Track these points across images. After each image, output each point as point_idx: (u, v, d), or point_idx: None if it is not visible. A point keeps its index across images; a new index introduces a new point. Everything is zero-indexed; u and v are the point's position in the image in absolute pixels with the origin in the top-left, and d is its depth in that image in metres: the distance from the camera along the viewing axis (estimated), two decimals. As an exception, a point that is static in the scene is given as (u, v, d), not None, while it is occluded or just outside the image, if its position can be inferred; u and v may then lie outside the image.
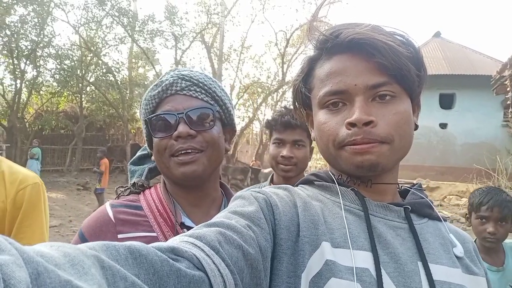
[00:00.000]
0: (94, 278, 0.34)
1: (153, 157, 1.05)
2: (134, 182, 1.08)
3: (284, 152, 1.79)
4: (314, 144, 1.95)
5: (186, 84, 0.98)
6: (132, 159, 1.19)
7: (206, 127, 0.97)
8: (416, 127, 0.75)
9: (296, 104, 0.83)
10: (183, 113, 0.95)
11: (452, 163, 15.54)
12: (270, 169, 2.14)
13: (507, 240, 2.00)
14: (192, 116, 0.96)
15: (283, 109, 1.88)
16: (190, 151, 0.94)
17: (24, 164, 13.24)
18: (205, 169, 0.96)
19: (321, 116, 0.73)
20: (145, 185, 1.08)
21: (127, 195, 1.06)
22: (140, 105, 1.05)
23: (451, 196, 12.24)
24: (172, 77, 0.99)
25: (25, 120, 18.80)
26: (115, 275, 0.37)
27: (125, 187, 1.10)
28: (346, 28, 0.69)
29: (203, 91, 1.00)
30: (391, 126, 0.66)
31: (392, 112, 0.67)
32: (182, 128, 0.93)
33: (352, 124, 0.66)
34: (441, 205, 11.59)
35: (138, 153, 1.18)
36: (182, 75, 0.99)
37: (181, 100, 0.97)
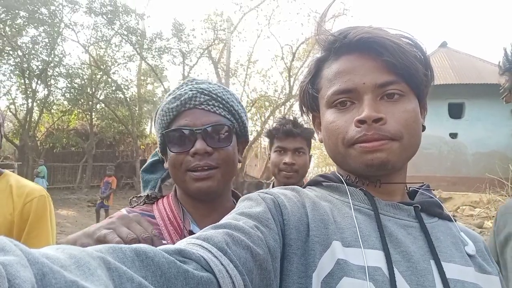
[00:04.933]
0: (101, 279, 0.34)
1: (165, 165, 1.06)
2: (148, 195, 1.09)
3: (286, 159, 1.85)
4: (311, 152, 2.00)
5: (205, 98, 0.98)
6: (144, 166, 1.19)
7: (223, 144, 0.98)
8: (424, 128, 0.74)
9: (303, 106, 0.83)
10: (201, 129, 0.95)
11: (464, 173, 15.27)
12: None
13: None
14: (210, 132, 0.96)
15: (283, 119, 1.95)
16: (206, 167, 0.95)
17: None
18: (219, 184, 0.98)
19: (329, 115, 0.73)
20: (158, 197, 1.10)
21: (142, 205, 1.08)
22: (155, 115, 1.05)
23: (464, 207, 11.99)
24: (191, 90, 0.98)
25: (37, 139, 19.11)
26: (122, 276, 0.37)
27: (139, 197, 1.11)
28: (354, 28, 0.70)
29: (221, 106, 1.00)
30: (401, 124, 0.67)
31: (401, 110, 0.67)
32: (199, 145, 0.94)
33: (361, 122, 0.66)
34: (454, 216, 11.35)
35: (150, 160, 1.19)
36: (201, 88, 0.99)
37: (199, 115, 0.97)
